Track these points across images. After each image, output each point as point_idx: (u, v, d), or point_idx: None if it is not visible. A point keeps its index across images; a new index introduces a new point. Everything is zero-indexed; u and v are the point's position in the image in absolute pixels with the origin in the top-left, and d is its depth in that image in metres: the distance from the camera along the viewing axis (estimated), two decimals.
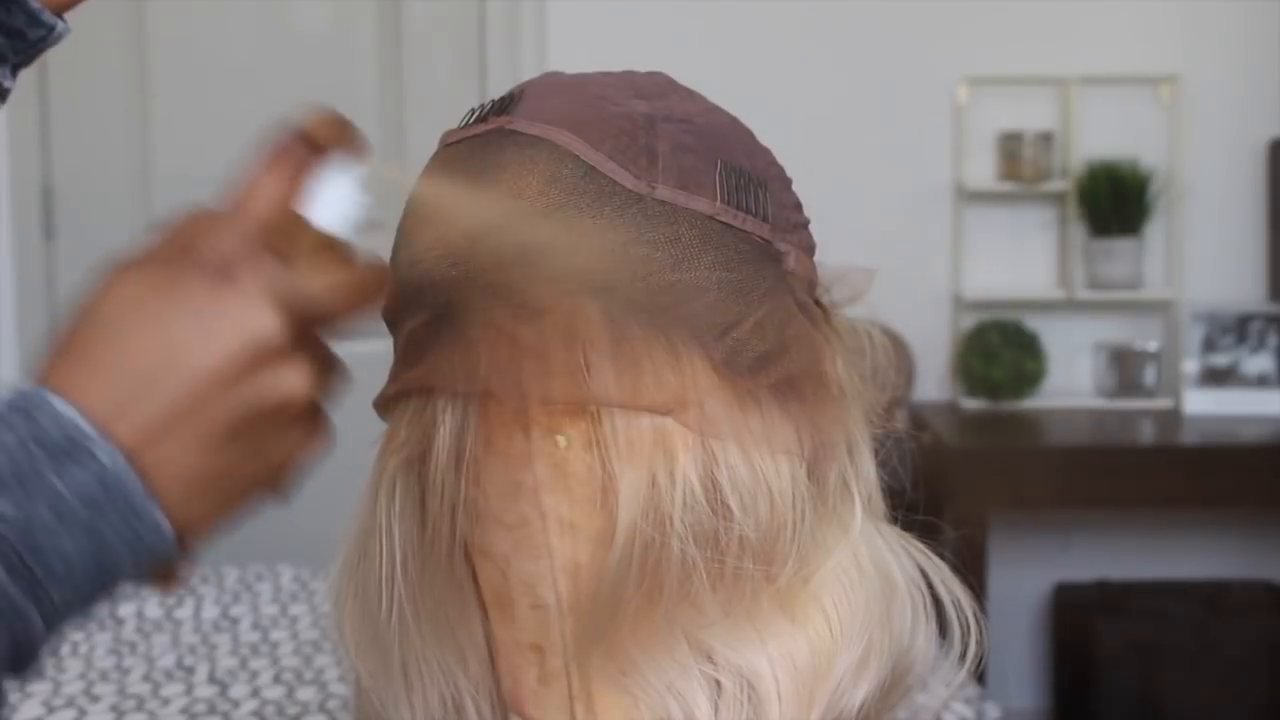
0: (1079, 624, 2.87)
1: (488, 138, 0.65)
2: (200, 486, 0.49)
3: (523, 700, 0.67)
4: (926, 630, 0.68)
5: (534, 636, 0.66)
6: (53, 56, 3.08)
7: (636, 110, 0.65)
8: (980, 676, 2.43)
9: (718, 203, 0.64)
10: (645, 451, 0.62)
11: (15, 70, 0.70)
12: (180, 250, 0.50)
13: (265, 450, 0.51)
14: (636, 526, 0.62)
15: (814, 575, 0.65)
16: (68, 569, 0.47)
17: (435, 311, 0.64)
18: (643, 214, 0.62)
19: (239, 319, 0.49)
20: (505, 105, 0.67)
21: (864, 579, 0.66)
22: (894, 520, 0.71)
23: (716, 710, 0.63)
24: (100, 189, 3.08)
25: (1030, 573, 3.09)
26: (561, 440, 0.63)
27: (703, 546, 0.62)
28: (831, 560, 0.66)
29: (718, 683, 0.64)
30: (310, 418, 0.52)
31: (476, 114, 0.68)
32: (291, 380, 0.50)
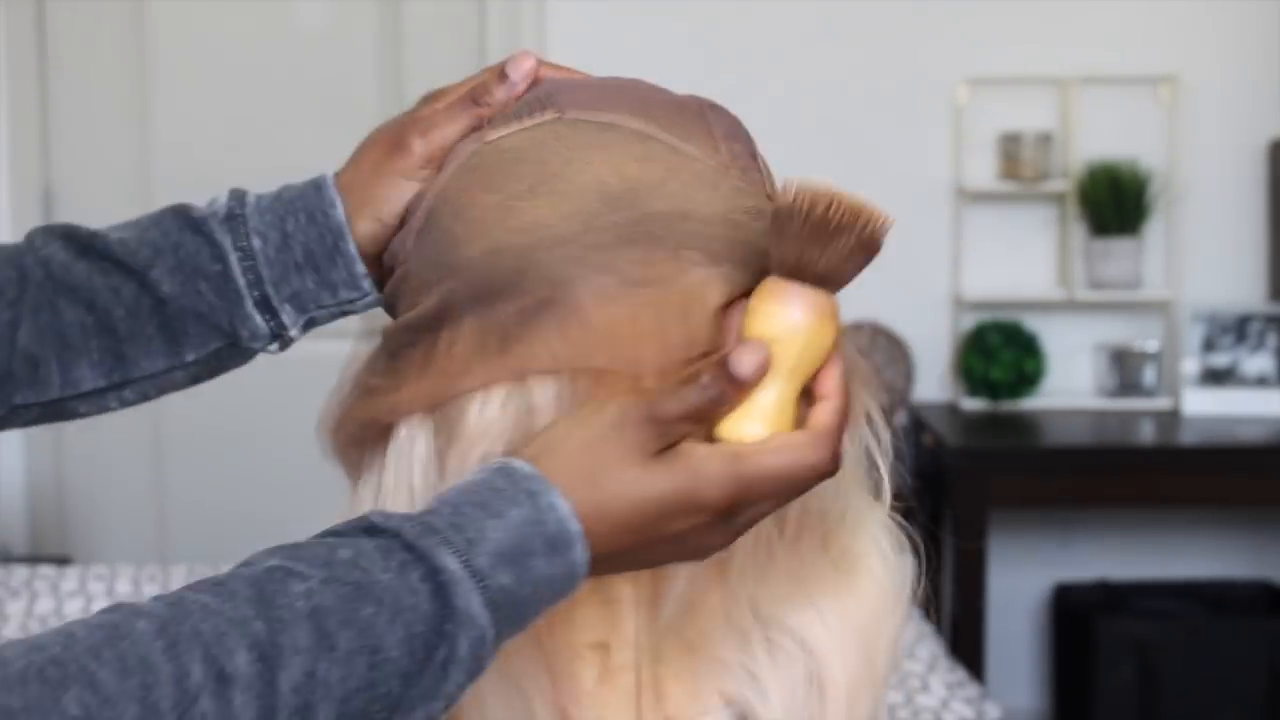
0: (1079, 624, 2.87)
1: (551, 127, 0.64)
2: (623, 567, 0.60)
3: (569, 704, 0.65)
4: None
5: (598, 634, 0.65)
6: (53, 56, 3.07)
7: (684, 97, 0.66)
8: (980, 676, 2.43)
9: (767, 187, 0.65)
10: None
11: (309, 325, 0.70)
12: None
13: (686, 552, 0.60)
14: None
15: (857, 541, 0.67)
16: (521, 628, 0.57)
17: (535, 295, 0.61)
18: (731, 188, 0.64)
19: (687, 479, 0.58)
20: (544, 103, 0.65)
21: (896, 541, 0.68)
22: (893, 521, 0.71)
23: (780, 680, 0.64)
24: (100, 189, 3.08)
25: (1030, 573, 3.08)
26: None
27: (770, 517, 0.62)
28: (873, 526, 0.67)
29: (780, 652, 0.64)
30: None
31: (510, 117, 0.66)
32: (716, 537, 0.59)
